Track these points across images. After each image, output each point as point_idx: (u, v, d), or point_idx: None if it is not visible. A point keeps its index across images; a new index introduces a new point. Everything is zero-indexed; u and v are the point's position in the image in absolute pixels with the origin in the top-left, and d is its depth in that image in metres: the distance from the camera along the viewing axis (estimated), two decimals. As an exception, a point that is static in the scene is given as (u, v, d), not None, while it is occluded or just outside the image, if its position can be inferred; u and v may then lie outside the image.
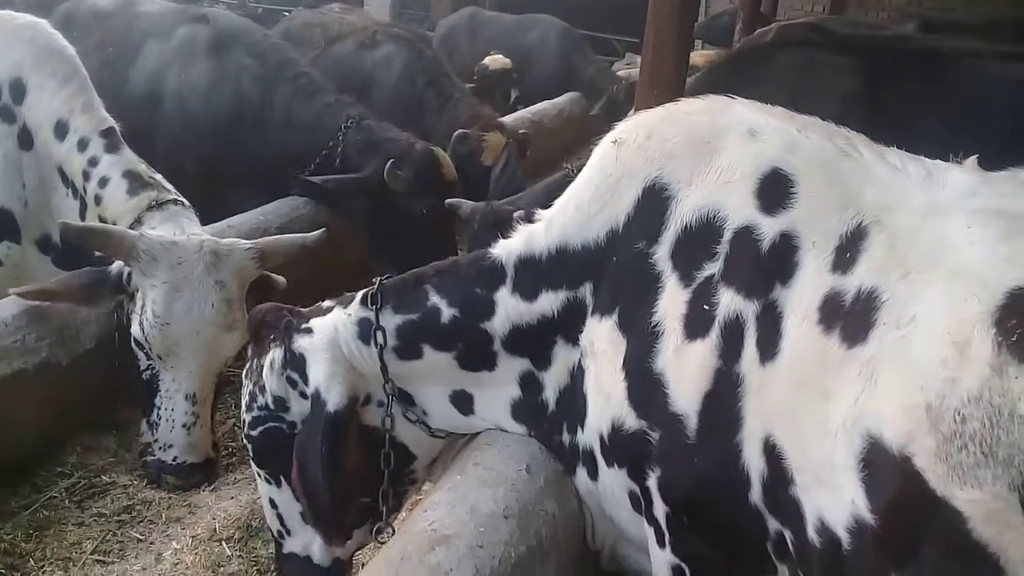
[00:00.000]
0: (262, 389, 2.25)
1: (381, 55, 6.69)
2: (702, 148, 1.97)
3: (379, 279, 2.27)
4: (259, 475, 2.39)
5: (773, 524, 1.81)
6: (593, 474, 2.18)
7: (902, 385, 1.53)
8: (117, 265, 3.13)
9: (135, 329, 2.99)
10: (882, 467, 1.53)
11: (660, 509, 1.98)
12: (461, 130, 5.77)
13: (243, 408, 2.31)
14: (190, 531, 3.15)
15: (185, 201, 3.46)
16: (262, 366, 2.24)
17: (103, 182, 3.39)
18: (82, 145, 3.45)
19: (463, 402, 2.29)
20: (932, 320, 1.54)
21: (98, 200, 3.40)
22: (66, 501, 3.23)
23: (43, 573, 2.90)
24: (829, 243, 1.74)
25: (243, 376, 2.35)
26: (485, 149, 5.71)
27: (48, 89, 3.48)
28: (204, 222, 3.56)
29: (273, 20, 7.80)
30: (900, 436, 1.50)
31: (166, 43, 5.22)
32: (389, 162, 4.53)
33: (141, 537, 3.13)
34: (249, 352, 2.35)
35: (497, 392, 2.26)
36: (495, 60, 8.56)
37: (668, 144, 2.01)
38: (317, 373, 2.14)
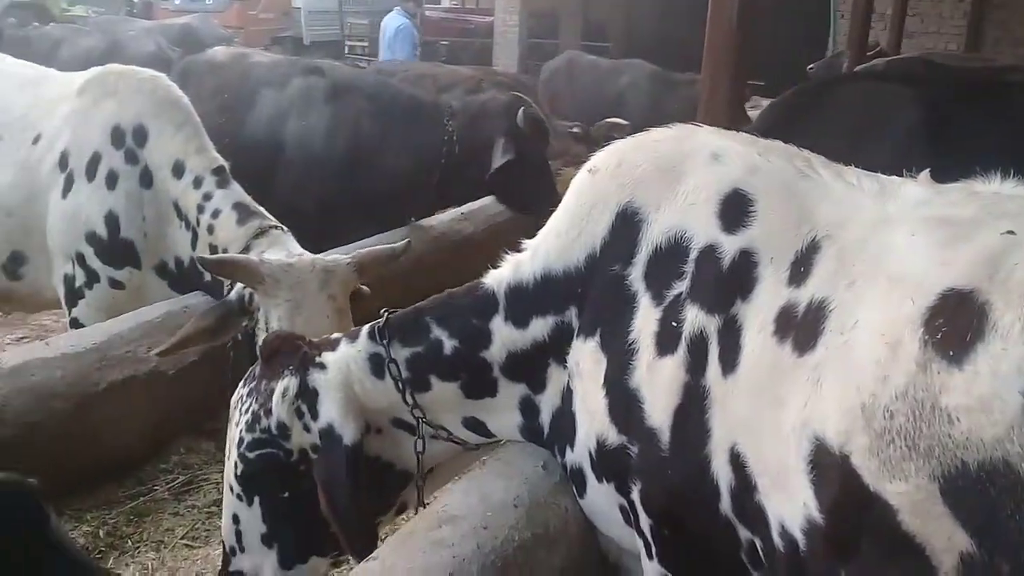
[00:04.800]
0: (267, 412, 2.27)
1: (486, 101, 7.08)
2: (669, 173, 2.07)
3: (386, 313, 2.36)
4: (231, 489, 2.38)
5: (744, 533, 1.87)
6: (581, 491, 2.25)
7: (842, 387, 1.59)
8: (236, 291, 3.40)
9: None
10: (826, 467, 1.59)
11: (645, 521, 2.05)
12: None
13: (240, 427, 2.33)
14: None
15: (284, 227, 3.73)
16: (272, 390, 2.28)
17: (215, 214, 3.80)
18: (197, 183, 3.88)
19: (478, 427, 2.38)
20: (871, 324, 1.59)
21: (211, 230, 3.80)
22: (165, 494, 3.63)
23: (138, 553, 3.29)
24: (785, 258, 1.82)
25: (241, 394, 2.38)
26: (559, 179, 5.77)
27: (166, 134, 3.96)
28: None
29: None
30: (839, 436, 1.57)
31: (282, 92, 5.51)
32: (520, 110, 4.78)
33: (227, 528, 3.48)
34: (257, 372, 2.38)
35: (504, 416, 2.35)
36: (613, 119, 8.79)
37: (637, 171, 2.11)
38: (330, 410, 2.22)
